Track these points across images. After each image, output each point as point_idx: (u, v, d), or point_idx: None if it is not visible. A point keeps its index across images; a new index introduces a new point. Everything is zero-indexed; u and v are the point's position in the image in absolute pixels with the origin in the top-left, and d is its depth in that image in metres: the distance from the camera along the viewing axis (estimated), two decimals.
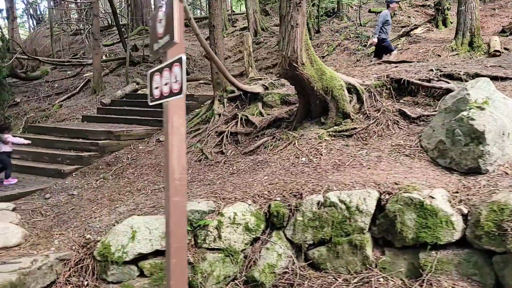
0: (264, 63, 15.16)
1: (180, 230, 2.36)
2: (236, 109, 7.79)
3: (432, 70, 6.20)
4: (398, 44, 13.73)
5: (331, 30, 16.79)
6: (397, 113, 5.74)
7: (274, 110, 7.10)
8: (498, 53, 9.77)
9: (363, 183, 4.45)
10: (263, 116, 7.07)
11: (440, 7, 14.77)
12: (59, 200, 5.74)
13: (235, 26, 23.21)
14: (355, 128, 5.75)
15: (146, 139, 8.13)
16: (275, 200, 4.54)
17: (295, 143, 5.95)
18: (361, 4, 16.84)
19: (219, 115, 7.67)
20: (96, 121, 9.46)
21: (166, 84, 2.45)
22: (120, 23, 18.29)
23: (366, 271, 4.14)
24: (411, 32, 14.26)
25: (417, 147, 5.01)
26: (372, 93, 6.11)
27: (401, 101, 6.04)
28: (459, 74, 5.84)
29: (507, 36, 12.53)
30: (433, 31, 14.48)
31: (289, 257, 4.37)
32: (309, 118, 6.31)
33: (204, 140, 7.17)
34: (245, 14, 19.49)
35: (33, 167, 6.95)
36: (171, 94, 2.38)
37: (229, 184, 5.32)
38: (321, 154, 5.52)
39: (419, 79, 5.93)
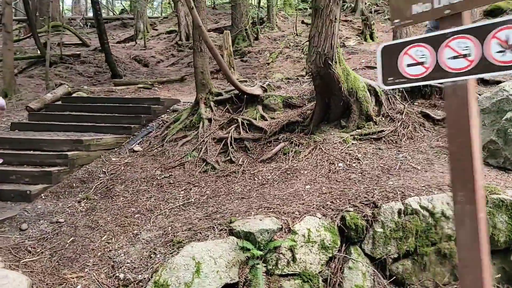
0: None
1: (486, 258, 1.70)
2: (227, 113, 7.01)
3: None
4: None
5: (268, 38, 16.77)
6: (419, 115, 5.70)
7: (277, 114, 6.54)
8: None
9: (431, 187, 4.20)
10: (266, 120, 6.44)
11: (367, 22, 15.82)
12: (43, 231, 4.31)
13: (156, 29, 21.86)
14: (383, 130, 5.54)
15: (116, 149, 6.80)
16: (348, 211, 4.01)
17: (320, 148, 5.50)
18: (297, 15, 17.22)
19: (209, 120, 6.79)
20: (32, 129, 7.65)
21: (464, 56, 1.75)
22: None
23: (454, 281, 3.87)
24: (346, 44, 15.00)
25: None
26: (388, 96, 5.98)
27: (415, 103, 6.04)
28: None
29: None
30: (363, 43, 15.40)
31: (372, 275, 3.88)
32: (325, 121, 5.92)
33: (200, 148, 6.24)
34: (176, 17, 18.38)
35: None
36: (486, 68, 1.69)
37: (270, 196, 4.61)
38: (357, 159, 5.17)
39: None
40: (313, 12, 5.04)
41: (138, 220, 4.48)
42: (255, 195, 4.72)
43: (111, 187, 5.46)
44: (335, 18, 4.93)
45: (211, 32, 19.27)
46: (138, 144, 7.10)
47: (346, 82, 5.49)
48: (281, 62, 14.62)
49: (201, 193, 5.08)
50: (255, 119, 6.44)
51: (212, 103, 7.09)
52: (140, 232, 4.17)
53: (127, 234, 4.18)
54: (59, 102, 9.40)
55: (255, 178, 5.25)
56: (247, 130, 6.35)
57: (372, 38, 15.71)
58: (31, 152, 6.02)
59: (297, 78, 7.27)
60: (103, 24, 13.26)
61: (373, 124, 5.70)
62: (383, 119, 5.74)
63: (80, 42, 16.97)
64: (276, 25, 18.90)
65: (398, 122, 5.59)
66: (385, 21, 18.84)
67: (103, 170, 6.04)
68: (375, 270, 3.90)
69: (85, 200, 5.12)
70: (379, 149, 5.32)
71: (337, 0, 4.87)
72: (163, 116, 8.27)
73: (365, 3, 20.37)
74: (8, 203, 4.97)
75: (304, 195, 4.51)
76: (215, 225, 4.01)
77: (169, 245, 3.84)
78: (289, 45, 15.64)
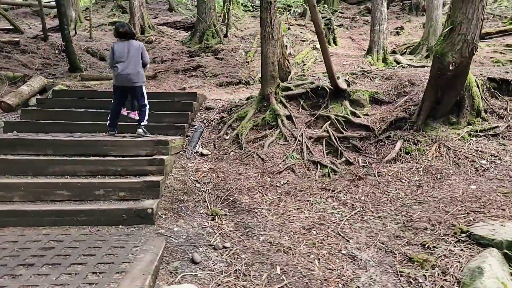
0: (168, 66, 12.91)
1: None
2: (304, 110, 6.25)
3: (508, 72, 6.54)
4: (316, 59, 14.28)
5: (236, 36, 16.02)
6: None
7: (367, 110, 6.03)
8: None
9: None
10: (359, 117, 5.89)
11: (330, 27, 16.23)
12: (223, 261, 3.13)
13: (87, 19, 19.27)
14: (497, 127, 5.47)
15: (180, 152, 5.54)
16: None
17: (444, 145, 5.19)
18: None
19: (288, 117, 5.95)
20: (41, 130, 5.81)
21: None
22: None
23: None
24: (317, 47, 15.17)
25: None
26: (484, 91, 5.96)
27: (501, 101, 6.12)
28: None
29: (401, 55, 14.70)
30: (328, 47, 15.70)
31: None
32: (431, 117, 5.63)
33: (298, 149, 5.41)
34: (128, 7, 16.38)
35: (76, 210, 3.62)
36: None
37: (450, 199, 4.12)
38: (494, 156, 4.99)
39: None
40: None
41: (323, 236, 3.57)
42: (431, 199, 4.17)
43: (230, 198, 4.34)
44: (483, 6, 4.67)
45: (165, 27, 17.75)
46: (201, 146, 5.90)
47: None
48: (260, 62, 14.02)
49: (355, 200, 4.33)
50: (348, 115, 5.83)
51: (282, 99, 6.25)
52: (352, 251, 3.31)
53: (335, 254, 3.28)
54: (50, 97, 7.42)
55: (398, 181, 4.68)
56: (344, 128, 5.72)
57: (335, 42, 16.09)
58: (100, 158, 4.45)
59: (363, 73, 6.84)
60: (63, 6, 11.05)
61: (481, 120, 5.59)
62: (489, 115, 5.67)
63: (12, 27, 14.02)
64: (233, 24, 18.25)
65: (507, 117, 5.56)
66: (337, 27, 19.51)
67: (191, 178, 4.81)
68: None
69: (216, 216, 3.95)
70: (504, 145, 5.21)
71: None
72: (199, 114, 7.10)
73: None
74: (119, 228, 3.54)
75: (482, 195, 4.13)
76: (446, 234, 3.38)
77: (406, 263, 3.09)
78: None
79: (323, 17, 19.55)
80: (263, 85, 6.32)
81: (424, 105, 5.58)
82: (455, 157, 5.01)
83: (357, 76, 6.79)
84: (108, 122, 5.39)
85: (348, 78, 6.50)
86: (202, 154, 5.65)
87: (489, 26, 14.87)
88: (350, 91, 6.11)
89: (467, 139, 5.34)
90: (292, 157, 5.28)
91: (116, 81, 5.33)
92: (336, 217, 3.96)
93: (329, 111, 5.97)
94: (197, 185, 4.68)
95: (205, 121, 6.80)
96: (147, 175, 4.30)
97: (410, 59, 12.55)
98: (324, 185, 4.71)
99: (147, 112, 5.39)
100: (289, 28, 16.44)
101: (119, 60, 5.16)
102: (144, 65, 5.34)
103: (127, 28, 5.32)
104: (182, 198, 4.25)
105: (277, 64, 6.28)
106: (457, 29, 4.77)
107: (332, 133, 5.56)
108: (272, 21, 6.10)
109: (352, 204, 4.20)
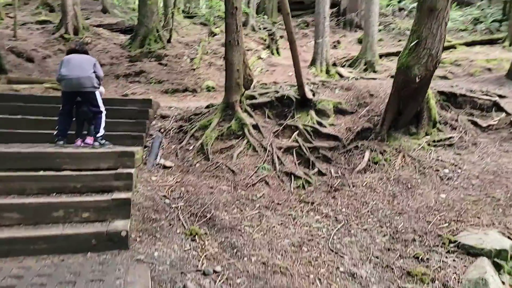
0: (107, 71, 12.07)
1: None
2: (269, 119, 6.08)
3: (452, 86, 7.02)
4: (262, 68, 14.39)
5: (179, 42, 15.49)
6: (469, 122, 6.17)
7: (332, 120, 6.04)
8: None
9: None
10: (325, 127, 5.87)
11: (274, 37, 16.54)
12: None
13: (10, 17, 17.45)
14: (451, 137, 5.79)
15: (141, 164, 5.05)
16: None
17: (408, 155, 5.37)
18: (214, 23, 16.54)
19: (254, 126, 5.75)
20: None
21: None
22: None
23: None
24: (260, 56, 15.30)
25: None
26: (436, 104, 6.29)
27: (451, 112, 6.52)
28: (487, 93, 6.80)
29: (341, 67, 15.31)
30: (271, 57, 15.96)
31: None
32: (393, 127, 5.80)
33: (268, 159, 5.22)
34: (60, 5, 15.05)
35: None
36: None
37: (426, 208, 4.22)
38: (454, 165, 5.25)
39: (468, 92, 6.60)
40: (427, 12, 4.86)
41: (316, 253, 3.40)
42: (409, 209, 4.22)
43: (207, 214, 3.99)
44: (446, 22, 4.90)
45: (101, 29, 16.61)
46: (162, 157, 5.45)
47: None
48: (206, 69, 13.75)
49: (336, 212, 4.23)
50: (315, 125, 5.79)
51: (247, 107, 6.03)
52: (350, 269, 3.18)
53: (334, 272, 3.12)
54: None
55: (373, 191, 4.70)
56: (312, 137, 5.65)
57: (278, 53, 16.35)
58: (54, 173, 3.82)
59: (323, 84, 6.89)
60: None
61: (437, 131, 5.88)
62: (444, 126, 5.99)
63: None
64: (175, 30, 17.71)
65: (459, 129, 5.92)
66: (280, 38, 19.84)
67: (159, 193, 4.37)
68: None
69: (196, 236, 3.58)
70: (460, 154, 5.52)
71: (451, 3, 4.86)
72: (155, 122, 6.60)
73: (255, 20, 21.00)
74: (88, 256, 3.02)
75: (454, 204, 4.29)
76: (436, 245, 3.40)
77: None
78: (207, 52, 14.82)
79: (265, 28, 19.77)
80: (227, 93, 6.04)
81: (387, 116, 5.72)
82: (420, 167, 5.17)
83: (318, 86, 6.82)
84: (56, 131, 4.74)
85: (312, 88, 6.49)
86: (165, 166, 5.21)
87: None
88: (316, 101, 6.08)
89: (427, 149, 5.57)
90: (264, 168, 5.07)
91: (62, 86, 4.73)
92: (323, 231, 3.82)
93: (296, 121, 5.88)
94: (167, 201, 4.25)
95: (162, 130, 6.32)
96: (112, 192, 3.80)
97: (350, 71, 13.09)
98: (301, 198, 4.56)
99: (103, 119, 4.84)
100: None
101: (65, 66, 4.64)
102: (97, 78, 4.81)
103: (80, 47, 4.99)
104: (154, 217, 3.81)
105: (242, 71, 6.06)
106: (422, 43, 4.96)
107: (302, 143, 5.46)
108: (238, 27, 5.88)
109: (336, 217, 4.09)
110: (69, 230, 3.18)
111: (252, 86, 7.09)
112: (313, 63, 13.74)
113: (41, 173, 3.80)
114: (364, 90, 6.63)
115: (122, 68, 12.71)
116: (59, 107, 5.24)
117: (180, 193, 4.45)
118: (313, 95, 6.21)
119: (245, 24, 20.53)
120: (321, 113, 6.05)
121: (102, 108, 4.83)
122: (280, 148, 5.41)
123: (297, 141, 5.51)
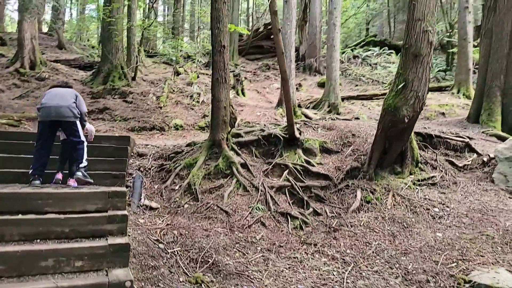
0: None
1: None
2: (256, 157, 5.94)
3: (425, 128, 7.37)
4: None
5: (144, 80, 15.22)
6: (446, 162, 6.42)
7: (318, 159, 6.02)
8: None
9: None
10: (314, 165, 5.83)
11: (239, 78, 16.86)
12: None
13: None
14: (434, 176, 5.96)
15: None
16: None
17: (397, 194, 5.43)
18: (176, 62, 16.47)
19: (243, 165, 5.57)
20: None
21: None
22: None
23: None
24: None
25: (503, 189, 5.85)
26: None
27: (428, 153, 6.77)
28: (458, 134, 7.19)
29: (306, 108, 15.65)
30: (237, 98, 16.14)
31: None
32: (379, 167, 5.89)
33: (261, 199, 5.03)
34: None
35: None
36: None
37: (430, 248, 4.20)
38: (442, 204, 5.37)
39: (442, 133, 6.92)
40: (411, 57, 5.11)
41: None
42: (412, 249, 4.17)
43: (208, 260, 3.67)
44: (430, 67, 5.18)
45: (59, 64, 15.93)
46: (146, 198, 5.06)
47: None
48: (173, 108, 13.52)
49: (342, 254, 4.07)
50: (303, 163, 5.72)
51: (234, 146, 5.87)
52: None
53: None
54: None
55: (372, 231, 4.63)
56: (303, 176, 5.56)
57: (243, 93, 16.59)
58: (37, 216, 3.34)
59: (305, 123, 6.93)
60: None
61: (419, 170, 6.04)
62: (425, 165, 6.17)
63: None
64: (139, 68, 17.48)
65: (439, 168, 6.12)
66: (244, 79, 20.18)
67: (151, 237, 3.99)
68: None
69: (202, 284, 3.24)
70: (444, 193, 5.67)
71: (432, 48, 5.15)
72: (132, 160, 6.21)
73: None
74: None
75: (453, 243, 4.31)
76: (452, 286, 3.34)
77: None
78: (173, 90, 14.66)
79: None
80: (213, 130, 5.85)
81: (374, 155, 5.80)
82: (410, 205, 5.21)
83: (301, 126, 6.84)
84: (31, 169, 4.24)
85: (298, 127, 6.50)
86: (151, 208, 4.82)
87: (372, 89, 17.03)
88: (303, 140, 6.06)
89: (413, 188, 5.67)
90: (258, 208, 4.85)
91: (40, 116, 4.31)
92: (334, 274, 3.63)
93: (285, 159, 5.78)
94: (161, 245, 3.88)
95: (141, 168, 5.94)
96: (105, 236, 3.38)
97: (315, 113, 13.43)
98: (302, 239, 4.37)
99: (85, 150, 4.42)
100: (198, 77, 16.34)
101: (46, 96, 4.32)
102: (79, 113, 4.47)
103: (63, 83, 4.73)
104: (152, 264, 3.42)
105: (229, 109, 5.93)
106: (409, 86, 5.17)
107: (294, 182, 5.34)
108: (225, 65, 5.82)
109: (343, 259, 3.93)
110: (63, 282, 2.73)
111: (236, 124, 6.96)
112: (279, 104, 13.96)
113: (20, 216, 3.31)
114: (346, 130, 6.74)
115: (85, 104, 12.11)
116: (21, 143, 4.77)
117: (173, 237, 4.08)
118: (300, 134, 6.19)
119: (208, 65, 20.76)
120: (308, 152, 6.02)
121: (83, 138, 4.44)
122: (272, 188, 5.24)
123: (288, 180, 5.38)
